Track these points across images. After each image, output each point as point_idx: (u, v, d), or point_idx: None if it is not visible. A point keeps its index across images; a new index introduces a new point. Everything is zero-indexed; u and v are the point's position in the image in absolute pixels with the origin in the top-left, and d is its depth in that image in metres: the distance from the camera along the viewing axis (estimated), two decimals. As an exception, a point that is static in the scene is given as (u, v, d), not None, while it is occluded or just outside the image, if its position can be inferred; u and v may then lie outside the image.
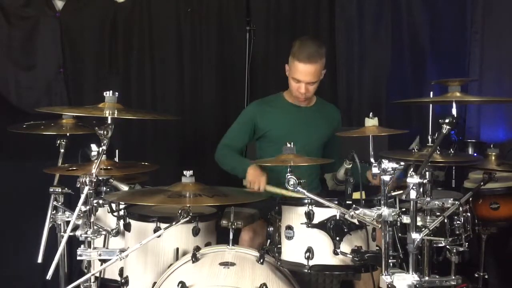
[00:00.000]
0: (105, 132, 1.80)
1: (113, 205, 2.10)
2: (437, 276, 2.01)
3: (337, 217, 1.92)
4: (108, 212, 2.13)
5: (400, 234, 1.86)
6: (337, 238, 1.91)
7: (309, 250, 1.93)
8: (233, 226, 2.13)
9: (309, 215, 1.93)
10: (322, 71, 2.71)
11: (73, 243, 1.98)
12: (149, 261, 2.23)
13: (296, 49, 2.65)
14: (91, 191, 1.82)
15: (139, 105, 3.95)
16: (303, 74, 2.63)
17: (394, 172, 1.67)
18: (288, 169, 1.86)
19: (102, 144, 1.83)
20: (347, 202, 1.93)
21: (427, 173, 1.89)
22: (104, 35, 3.94)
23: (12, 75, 3.80)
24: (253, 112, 2.85)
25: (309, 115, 2.84)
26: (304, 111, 2.84)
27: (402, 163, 1.69)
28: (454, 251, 2.06)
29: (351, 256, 1.89)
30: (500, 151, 2.54)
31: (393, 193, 1.98)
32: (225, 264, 1.95)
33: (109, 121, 1.88)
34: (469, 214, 2.07)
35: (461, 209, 2.03)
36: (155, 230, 2.14)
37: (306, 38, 2.74)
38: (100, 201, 1.90)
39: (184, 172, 2.05)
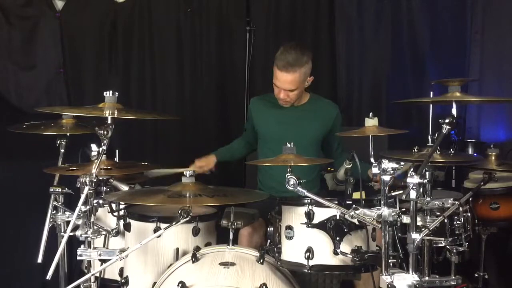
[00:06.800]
0: (105, 132, 1.80)
1: (113, 205, 2.10)
2: (437, 276, 2.01)
3: (337, 217, 1.92)
4: (108, 212, 2.13)
5: (400, 234, 1.86)
6: (337, 238, 1.91)
7: (309, 250, 1.93)
8: (233, 226, 2.13)
9: (309, 215, 1.93)
10: (308, 78, 2.68)
11: (73, 243, 1.98)
12: (149, 261, 2.24)
13: (278, 55, 2.64)
14: (91, 191, 1.82)
15: (139, 105, 3.95)
16: (280, 81, 2.64)
17: (394, 172, 1.67)
18: (288, 169, 1.85)
19: (102, 144, 1.83)
20: (347, 202, 1.93)
21: (427, 173, 1.89)
22: (104, 35, 3.95)
23: (12, 75, 3.80)
24: (250, 108, 2.95)
25: (299, 114, 2.83)
26: (294, 110, 2.83)
27: (402, 163, 1.69)
28: (454, 251, 2.06)
29: (351, 256, 1.89)
30: (500, 151, 2.54)
31: (393, 193, 1.98)
32: (225, 264, 1.95)
33: (109, 121, 1.88)
34: (469, 214, 2.07)
35: (461, 209, 2.03)
36: (155, 230, 2.14)
37: (290, 45, 2.65)
38: (100, 201, 1.90)
39: (184, 172, 2.05)
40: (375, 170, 1.69)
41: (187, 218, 1.89)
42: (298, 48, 2.63)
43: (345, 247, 1.93)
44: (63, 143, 2.42)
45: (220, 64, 4.09)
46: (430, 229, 1.89)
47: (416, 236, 1.70)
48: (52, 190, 2.19)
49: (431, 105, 2.51)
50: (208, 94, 4.09)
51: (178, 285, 1.81)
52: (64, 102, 3.86)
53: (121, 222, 2.18)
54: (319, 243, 1.94)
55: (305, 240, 1.96)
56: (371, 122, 2.13)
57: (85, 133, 2.39)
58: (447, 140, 2.26)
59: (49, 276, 1.73)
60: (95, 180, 1.80)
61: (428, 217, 2.00)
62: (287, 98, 2.70)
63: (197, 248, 2.08)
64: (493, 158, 2.50)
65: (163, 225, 2.03)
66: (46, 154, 2.49)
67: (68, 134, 2.41)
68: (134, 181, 2.50)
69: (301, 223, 1.95)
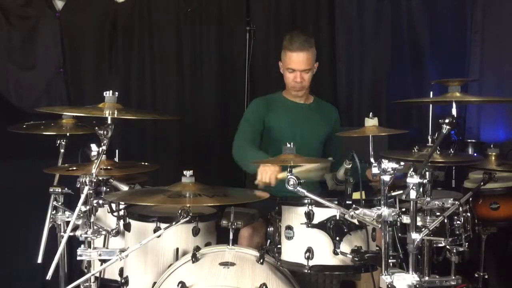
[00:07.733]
0: (105, 132, 1.80)
1: (113, 205, 2.10)
2: (437, 276, 2.01)
3: (337, 217, 1.92)
4: (108, 212, 2.13)
5: (400, 234, 1.86)
6: (337, 238, 1.91)
7: (309, 250, 1.93)
8: (233, 226, 2.13)
9: (309, 215, 1.93)
10: (314, 63, 2.78)
11: (73, 243, 1.98)
12: (149, 261, 2.23)
13: (287, 42, 2.74)
14: (91, 191, 1.82)
15: (139, 105, 3.95)
16: (296, 62, 2.71)
17: (394, 172, 1.67)
18: (288, 169, 1.85)
19: (102, 144, 1.83)
20: (347, 202, 1.93)
21: (427, 173, 1.89)
22: (104, 35, 3.95)
23: (12, 75, 3.80)
24: (261, 107, 2.88)
25: (307, 114, 2.86)
26: (303, 110, 2.85)
27: (402, 163, 1.69)
28: (454, 251, 2.06)
29: (351, 256, 1.89)
30: (500, 151, 2.54)
31: (393, 193, 1.97)
32: (225, 264, 1.95)
33: (109, 121, 1.88)
34: (469, 214, 2.07)
35: (461, 209, 2.03)
36: (155, 230, 2.14)
37: (295, 31, 2.81)
38: (100, 201, 1.90)
39: (184, 172, 2.05)
40: (375, 170, 1.69)
41: (187, 218, 1.89)
42: (303, 32, 2.80)
43: (345, 247, 1.93)
44: (63, 143, 2.43)
45: (220, 64, 4.09)
46: (430, 229, 1.89)
47: (416, 236, 1.70)
48: (52, 190, 2.19)
49: (431, 105, 2.51)
50: (208, 94, 4.09)
51: (178, 285, 1.81)
52: (64, 102, 3.86)
53: (121, 222, 2.18)
54: (319, 243, 1.94)
55: (305, 240, 1.96)
56: (371, 122, 2.13)
57: (85, 133, 2.39)
58: (447, 140, 2.26)
59: (49, 276, 1.73)
60: (95, 180, 1.80)
61: (428, 217, 2.00)
62: (303, 82, 2.75)
63: (197, 248, 2.08)
64: (493, 158, 2.50)
65: (163, 225, 2.02)
66: (46, 154, 2.49)
67: (68, 134, 2.42)
68: (134, 181, 2.50)
69: (301, 223, 1.95)
